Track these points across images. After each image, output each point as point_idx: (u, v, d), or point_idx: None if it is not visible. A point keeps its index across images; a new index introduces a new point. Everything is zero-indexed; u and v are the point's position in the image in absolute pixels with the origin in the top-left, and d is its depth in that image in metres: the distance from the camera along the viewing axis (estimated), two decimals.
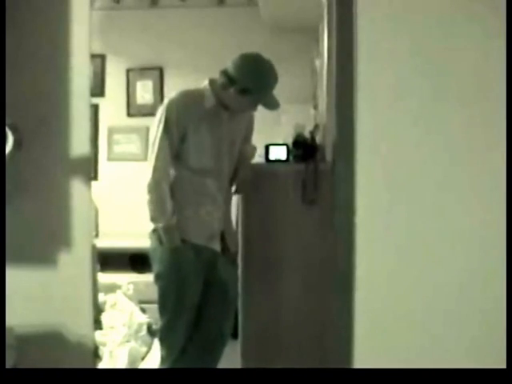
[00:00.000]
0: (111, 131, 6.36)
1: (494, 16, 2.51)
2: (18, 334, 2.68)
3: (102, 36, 5.72)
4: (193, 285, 3.33)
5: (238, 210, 3.55)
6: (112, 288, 4.67)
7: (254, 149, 3.44)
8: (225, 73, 3.27)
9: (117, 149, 6.38)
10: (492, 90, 2.52)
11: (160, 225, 3.25)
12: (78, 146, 2.82)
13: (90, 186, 2.88)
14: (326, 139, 3.46)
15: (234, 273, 3.43)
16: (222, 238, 3.40)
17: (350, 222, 2.57)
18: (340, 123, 2.69)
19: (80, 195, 2.83)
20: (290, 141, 3.43)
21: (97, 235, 5.86)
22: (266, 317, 3.29)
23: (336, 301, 2.68)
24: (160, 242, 3.28)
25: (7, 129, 2.59)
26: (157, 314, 3.46)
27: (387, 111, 2.57)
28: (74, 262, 2.84)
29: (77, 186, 2.83)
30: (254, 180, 3.30)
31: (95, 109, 6.04)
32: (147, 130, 6.09)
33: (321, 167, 3.18)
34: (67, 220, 2.81)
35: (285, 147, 3.37)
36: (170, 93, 3.45)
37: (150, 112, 6.05)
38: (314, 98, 5.10)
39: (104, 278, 4.67)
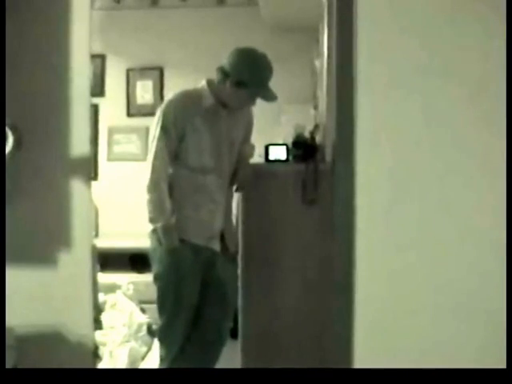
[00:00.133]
0: (111, 131, 6.36)
1: (494, 15, 2.51)
2: (18, 334, 2.68)
3: (102, 36, 5.73)
4: (191, 285, 3.33)
5: (237, 209, 3.55)
6: (112, 288, 4.67)
7: (253, 148, 3.45)
8: (220, 69, 3.29)
9: (117, 149, 6.38)
10: (493, 87, 2.52)
11: (159, 225, 3.26)
12: (78, 145, 2.82)
13: (89, 186, 2.88)
14: (326, 139, 3.46)
15: (233, 272, 3.43)
16: (222, 238, 3.40)
17: (350, 222, 2.57)
18: (340, 123, 2.69)
19: (80, 195, 2.83)
20: (289, 141, 3.42)
21: (97, 235, 5.86)
22: (266, 317, 3.29)
23: (336, 301, 2.68)
24: (159, 242, 3.28)
25: (7, 129, 2.59)
26: (157, 314, 3.46)
27: (387, 111, 2.56)
28: (74, 262, 2.84)
29: (77, 186, 2.83)
30: (253, 180, 3.30)
31: (95, 109, 6.04)
32: (147, 130, 6.09)
33: (321, 167, 3.18)
34: (67, 220, 2.81)
35: (285, 147, 3.37)
36: (170, 93, 3.45)
37: (150, 112, 6.05)
38: (314, 98, 5.10)
39: (104, 278, 4.67)
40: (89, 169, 2.93)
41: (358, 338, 2.57)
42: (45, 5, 2.80)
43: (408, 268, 2.57)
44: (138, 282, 4.93)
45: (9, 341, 2.53)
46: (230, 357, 3.47)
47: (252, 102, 3.36)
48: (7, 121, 2.59)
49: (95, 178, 5.97)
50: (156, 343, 3.78)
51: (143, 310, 4.55)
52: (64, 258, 2.82)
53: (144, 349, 4.17)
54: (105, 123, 6.30)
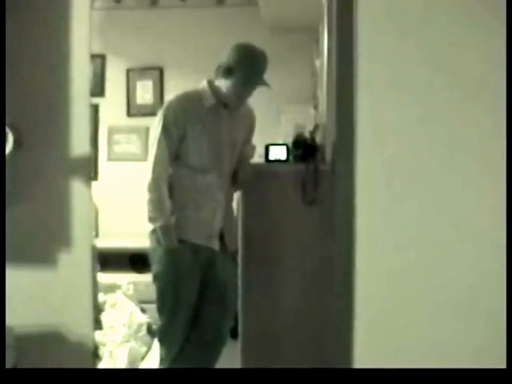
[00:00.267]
0: (111, 131, 6.36)
1: (494, 16, 2.51)
2: (18, 334, 2.68)
3: (102, 36, 5.73)
4: (190, 285, 3.34)
5: (237, 209, 3.55)
6: (112, 288, 4.67)
7: (254, 148, 3.45)
8: (218, 66, 3.33)
9: (117, 149, 6.38)
10: (492, 87, 2.52)
11: (158, 224, 3.26)
12: (78, 145, 2.82)
13: (90, 186, 2.87)
14: (326, 139, 3.46)
15: (233, 272, 3.43)
16: (221, 237, 3.40)
17: (350, 222, 2.57)
18: (340, 123, 2.69)
19: (80, 195, 2.83)
20: (290, 141, 3.43)
21: (97, 235, 5.86)
22: (266, 317, 3.29)
23: (336, 301, 2.68)
24: (158, 242, 3.29)
25: (7, 129, 2.59)
26: (157, 314, 3.47)
27: (387, 111, 2.56)
28: (74, 262, 2.84)
29: (77, 186, 2.83)
30: (254, 180, 3.31)
31: (95, 109, 6.04)
32: (147, 130, 6.13)
33: (321, 167, 3.18)
34: (67, 220, 2.81)
35: (285, 147, 3.37)
36: (170, 93, 3.47)
37: (150, 112, 6.06)
38: (314, 98, 5.10)
39: (104, 278, 4.67)
40: (89, 169, 2.93)
41: (358, 337, 2.57)
42: (45, 5, 2.79)
43: (408, 268, 2.57)
44: (138, 282, 4.93)
45: (9, 341, 2.53)
46: (230, 357, 3.47)
47: (245, 91, 3.33)
48: (7, 121, 2.58)
49: (95, 178, 5.96)
50: (156, 343, 3.78)
51: (143, 310, 4.55)
52: (64, 258, 2.82)
53: (144, 349, 4.17)
54: (105, 123, 6.30)
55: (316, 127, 3.73)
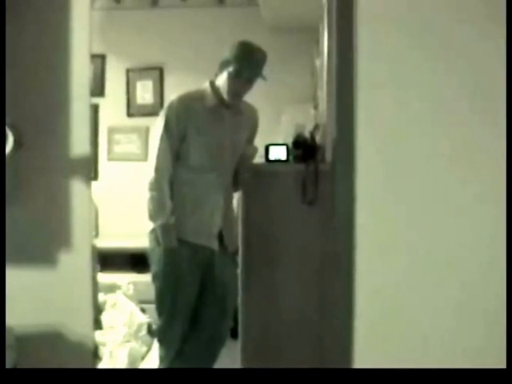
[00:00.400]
0: (111, 131, 6.36)
1: (494, 15, 2.51)
2: (18, 334, 2.69)
3: (102, 36, 5.73)
4: (189, 285, 3.34)
5: (237, 209, 3.55)
6: (112, 288, 4.67)
7: (255, 150, 3.44)
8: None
9: (117, 149, 6.38)
10: (492, 86, 2.52)
11: (158, 223, 3.26)
12: (78, 145, 2.82)
13: (90, 186, 2.88)
14: (325, 139, 3.46)
15: (232, 272, 3.43)
16: (221, 237, 3.40)
17: (350, 222, 2.57)
18: (340, 123, 2.69)
19: (80, 195, 2.83)
20: (289, 141, 3.42)
21: (97, 235, 5.86)
22: (266, 317, 3.29)
23: (336, 301, 2.68)
24: (157, 242, 3.29)
25: (7, 129, 2.59)
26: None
27: (387, 111, 2.56)
28: (74, 262, 2.84)
29: (77, 186, 2.83)
30: (254, 180, 3.30)
31: (95, 109, 6.04)
32: (147, 129, 6.15)
33: (321, 167, 3.18)
34: (67, 220, 2.81)
35: (285, 147, 3.37)
36: (170, 93, 3.47)
37: (150, 112, 6.06)
38: (314, 98, 5.10)
39: (104, 277, 4.67)
40: (89, 169, 2.94)
41: (358, 338, 2.57)
42: (45, 5, 2.80)
43: (408, 268, 2.57)
44: (138, 282, 4.92)
45: (9, 341, 2.53)
46: (230, 357, 3.47)
47: (239, 83, 3.31)
48: (7, 121, 2.59)
49: (95, 178, 5.96)
50: (156, 343, 3.78)
51: (143, 310, 4.54)
52: (64, 258, 2.83)
53: (144, 349, 4.17)
54: (105, 123, 6.30)
55: (316, 127, 3.73)
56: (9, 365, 2.49)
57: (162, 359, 3.44)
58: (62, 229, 2.82)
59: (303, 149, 3.27)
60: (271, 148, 3.37)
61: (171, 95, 3.46)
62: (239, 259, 3.34)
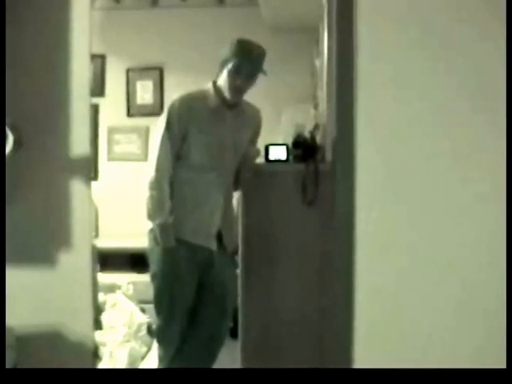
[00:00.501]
0: (111, 131, 6.36)
1: (494, 15, 2.51)
2: (18, 334, 2.69)
3: (102, 36, 5.72)
4: (188, 284, 3.34)
5: (237, 209, 3.55)
6: (112, 288, 4.67)
7: (258, 152, 3.44)
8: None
9: (117, 149, 6.38)
10: (492, 86, 2.53)
11: (156, 222, 3.27)
12: (78, 145, 2.82)
13: (90, 186, 2.88)
14: (325, 139, 3.46)
15: (231, 272, 3.43)
16: (220, 237, 3.40)
17: (350, 222, 2.57)
18: (340, 123, 2.69)
19: (80, 195, 2.83)
20: (289, 141, 3.42)
21: (97, 235, 5.86)
22: (266, 317, 3.29)
23: (336, 301, 2.68)
24: (156, 241, 3.29)
25: (7, 129, 2.59)
26: None
27: (387, 111, 2.57)
28: (74, 261, 2.84)
29: (77, 186, 2.83)
30: (254, 180, 3.30)
31: (95, 109, 6.03)
32: (147, 129, 6.15)
33: (321, 167, 3.18)
34: (67, 220, 2.81)
35: (285, 147, 3.36)
36: (170, 93, 3.47)
37: (150, 112, 6.07)
38: (314, 98, 5.10)
39: (104, 277, 4.67)
40: (89, 169, 2.93)
41: (358, 338, 2.57)
42: (44, 5, 2.80)
43: (408, 267, 2.57)
44: (138, 282, 4.92)
45: (9, 341, 2.53)
46: (230, 357, 3.47)
47: (238, 80, 3.30)
48: (7, 121, 2.59)
49: (95, 178, 5.96)
50: (156, 343, 3.78)
51: (143, 310, 4.54)
52: (64, 258, 2.82)
53: (144, 349, 4.17)
54: (105, 123, 6.30)
55: (316, 127, 3.73)
56: (9, 365, 2.49)
57: (161, 358, 3.44)
58: (61, 229, 2.82)
59: (303, 149, 3.27)
60: (271, 148, 3.37)
61: (171, 95, 3.47)
62: (239, 259, 3.34)
